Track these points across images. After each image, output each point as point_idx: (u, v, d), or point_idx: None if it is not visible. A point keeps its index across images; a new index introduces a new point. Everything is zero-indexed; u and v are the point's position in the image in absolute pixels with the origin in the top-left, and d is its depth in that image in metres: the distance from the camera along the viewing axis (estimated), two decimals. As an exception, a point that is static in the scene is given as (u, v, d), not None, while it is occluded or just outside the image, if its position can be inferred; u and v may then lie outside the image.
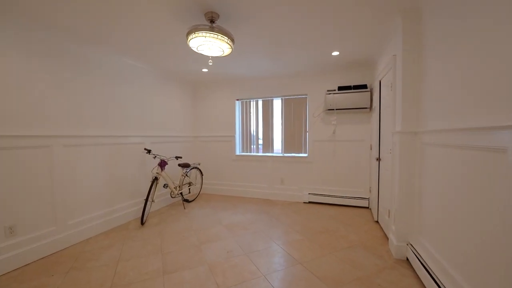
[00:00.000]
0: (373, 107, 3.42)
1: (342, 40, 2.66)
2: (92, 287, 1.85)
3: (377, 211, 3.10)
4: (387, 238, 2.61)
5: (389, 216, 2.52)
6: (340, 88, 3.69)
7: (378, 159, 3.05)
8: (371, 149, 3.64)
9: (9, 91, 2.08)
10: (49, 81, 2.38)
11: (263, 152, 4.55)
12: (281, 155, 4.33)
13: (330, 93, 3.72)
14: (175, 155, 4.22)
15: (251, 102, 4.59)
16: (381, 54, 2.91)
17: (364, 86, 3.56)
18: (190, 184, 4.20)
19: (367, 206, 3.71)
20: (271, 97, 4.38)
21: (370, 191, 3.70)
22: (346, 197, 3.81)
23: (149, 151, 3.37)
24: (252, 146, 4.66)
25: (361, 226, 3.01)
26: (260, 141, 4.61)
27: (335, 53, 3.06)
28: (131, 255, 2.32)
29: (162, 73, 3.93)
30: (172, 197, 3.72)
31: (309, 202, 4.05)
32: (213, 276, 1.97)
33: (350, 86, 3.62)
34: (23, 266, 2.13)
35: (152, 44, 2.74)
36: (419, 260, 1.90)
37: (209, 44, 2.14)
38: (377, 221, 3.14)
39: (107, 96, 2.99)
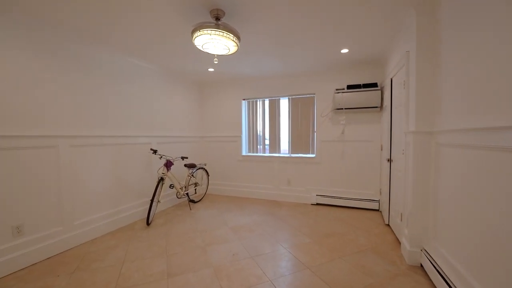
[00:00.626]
0: (384, 106, 3.30)
1: (352, 36, 2.57)
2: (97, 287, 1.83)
3: (388, 214, 2.99)
4: (399, 243, 2.50)
5: (401, 220, 2.41)
6: (349, 87, 3.58)
7: (390, 160, 2.94)
8: (381, 149, 3.52)
9: (16, 91, 2.09)
10: (56, 81, 2.38)
11: (269, 153, 4.49)
12: (288, 155, 4.25)
13: (338, 92, 3.62)
14: (181, 155, 4.20)
15: (258, 102, 4.54)
16: (393, 50, 2.80)
17: (374, 85, 3.44)
18: (196, 184, 4.17)
19: (377, 208, 3.58)
20: (277, 97, 4.31)
21: (380, 193, 3.58)
22: (355, 199, 3.70)
23: (155, 151, 3.35)
24: (258, 147, 4.60)
25: (371, 229, 2.91)
26: (267, 141, 4.54)
27: (344, 51, 2.97)
28: (136, 256, 2.30)
29: (168, 73, 3.92)
30: (178, 197, 3.70)
31: (317, 204, 3.96)
32: (218, 280, 1.92)
33: (360, 84, 3.51)
34: (29, 266, 2.13)
35: (157, 44, 2.72)
36: (435, 267, 1.80)
37: (214, 42, 2.09)
38: (388, 225, 3.02)
39: (113, 96, 2.99)
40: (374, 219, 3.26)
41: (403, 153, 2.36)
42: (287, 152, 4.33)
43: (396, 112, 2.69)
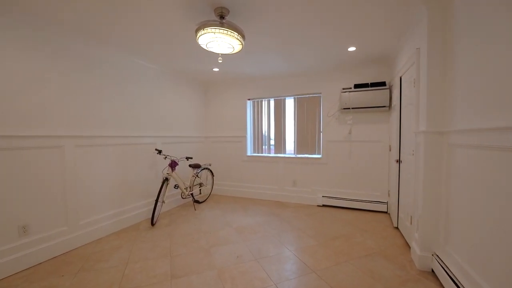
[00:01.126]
0: (392, 105, 3.21)
1: (359, 34, 2.50)
2: (99, 289, 1.82)
3: (397, 216, 2.90)
4: (409, 247, 2.42)
5: (411, 223, 2.33)
6: (356, 86, 3.51)
7: (398, 161, 2.85)
8: (390, 150, 3.43)
9: (20, 91, 2.10)
10: (61, 82, 2.39)
11: (275, 153, 4.44)
12: (293, 156, 4.19)
13: (345, 91, 3.54)
14: (185, 156, 4.19)
15: (263, 102, 4.49)
16: (402, 48, 2.72)
17: (382, 84, 3.36)
18: (201, 185, 4.16)
19: (386, 210, 3.49)
20: (283, 97, 4.26)
21: (388, 195, 3.49)
22: (362, 201, 3.61)
23: (159, 152, 3.35)
24: (263, 147, 4.56)
25: (379, 232, 2.83)
26: (272, 142, 4.49)
27: (352, 49, 2.90)
28: (140, 257, 2.28)
29: (173, 73, 3.92)
30: (182, 198, 3.69)
31: (323, 205, 3.89)
32: (221, 283, 1.88)
33: (368, 83, 3.43)
34: (35, 266, 2.14)
35: (160, 44, 2.71)
36: (447, 273, 1.72)
37: (218, 41, 2.06)
38: (397, 227, 2.93)
39: (118, 96, 2.99)
40: (382, 221, 3.18)
41: (413, 154, 2.28)
42: (293, 152, 4.28)
43: (405, 112, 2.60)
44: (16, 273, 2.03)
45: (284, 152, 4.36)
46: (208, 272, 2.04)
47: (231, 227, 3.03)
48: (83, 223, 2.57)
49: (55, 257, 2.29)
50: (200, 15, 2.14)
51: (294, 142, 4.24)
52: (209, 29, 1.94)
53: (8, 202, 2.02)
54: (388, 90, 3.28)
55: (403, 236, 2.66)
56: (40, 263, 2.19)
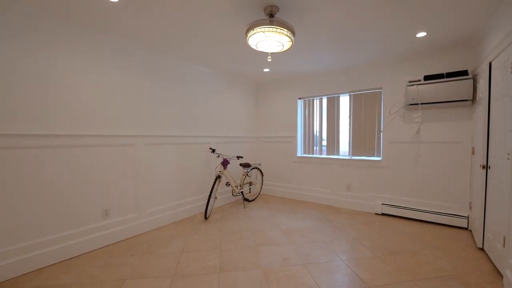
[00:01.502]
0: (478, 98, 2.63)
1: (433, 16, 2.13)
2: (160, 271, 2.03)
3: (482, 235, 2.36)
4: (501, 275, 1.93)
5: (504, 245, 1.85)
6: (427, 78, 3.00)
7: (486, 167, 2.31)
8: (473, 153, 2.82)
9: (108, 98, 2.53)
10: (136, 89, 2.79)
11: (327, 154, 4.19)
12: (348, 158, 3.87)
13: (413, 84, 3.08)
14: (236, 155, 4.35)
15: (315, 100, 4.30)
16: (492, 27, 2.19)
17: (463, 73, 2.78)
18: (250, 184, 4.25)
19: (466, 226, 2.88)
20: (337, 94, 3.98)
21: (470, 207, 2.87)
22: (433, 213, 3.07)
23: (213, 151, 3.56)
24: (315, 148, 4.36)
25: (456, 252, 2.35)
26: (324, 142, 4.26)
27: (421, 34, 2.49)
28: (193, 248, 2.46)
29: (226, 76, 4.11)
30: (233, 195, 3.84)
31: (382, 214, 3.47)
32: (267, 283, 1.86)
33: (442, 74, 2.90)
34: (112, 244, 2.55)
35: (215, 47, 2.86)
36: (563, 319, 1.29)
37: (268, 40, 2.05)
38: (481, 249, 2.39)
39: (179, 99, 3.31)
40: (460, 239, 2.63)
41: (508, 158, 1.81)
42: (347, 154, 3.96)
43: (497, 105, 2.09)
44: (100, 248, 2.45)
45: (337, 154, 4.07)
46: (253, 270, 2.05)
47: (279, 228, 2.99)
48: (149, 212, 2.93)
49: (127, 239, 2.68)
50: (251, 16, 2.18)
51: (349, 142, 3.92)
52: (258, 29, 1.94)
53: (96, 190, 2.46)
54: (471, 80, 2.70)
55: (491, 261, 2.14)
56: (117, 242, 2.59)
